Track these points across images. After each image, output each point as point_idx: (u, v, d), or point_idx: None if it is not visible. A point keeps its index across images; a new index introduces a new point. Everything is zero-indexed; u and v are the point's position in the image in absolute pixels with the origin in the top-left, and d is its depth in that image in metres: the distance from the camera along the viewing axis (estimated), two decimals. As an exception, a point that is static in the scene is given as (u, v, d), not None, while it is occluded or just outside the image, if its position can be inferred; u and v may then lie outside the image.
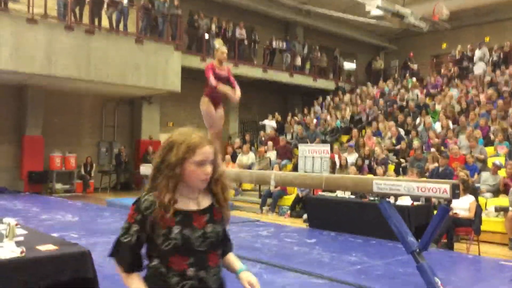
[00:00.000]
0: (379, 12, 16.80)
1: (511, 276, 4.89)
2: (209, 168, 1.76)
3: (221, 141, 6.08)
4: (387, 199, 4.46)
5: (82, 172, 14.33)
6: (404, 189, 4.19)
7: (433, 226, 4.18)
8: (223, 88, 5.75)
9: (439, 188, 3.96)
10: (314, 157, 10.17)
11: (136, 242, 1.72)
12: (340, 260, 5.57)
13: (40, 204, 10.50)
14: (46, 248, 3.27)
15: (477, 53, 15.94)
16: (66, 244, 3.58)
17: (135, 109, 16.07)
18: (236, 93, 5.85)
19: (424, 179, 7.68)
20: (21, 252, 3.03)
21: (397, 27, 20.87)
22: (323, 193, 8.53)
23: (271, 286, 4.37)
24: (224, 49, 5.90)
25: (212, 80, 5.64)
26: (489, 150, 9.99)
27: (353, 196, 8.06)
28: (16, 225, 3.66)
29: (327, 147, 10.42)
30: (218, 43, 5.97)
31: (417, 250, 4.15)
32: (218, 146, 6.02)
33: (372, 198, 7.41)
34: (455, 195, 3.93)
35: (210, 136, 5.88)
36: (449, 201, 4.08)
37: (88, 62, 12.25)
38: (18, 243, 3.21)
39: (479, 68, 15.44)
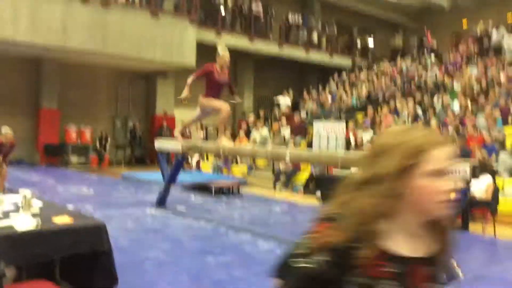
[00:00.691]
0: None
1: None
2: (451, 183, 1.13)
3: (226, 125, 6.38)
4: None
5: (98, 145, 14.45)
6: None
7: (450, 207, 4.11)
8: (212, 103, 5.99)
9: (458, 169, 3.88)
10: (329, 135, 10.08)
11: (320, 276, 1.12)
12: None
13: (56, 177, 10.64)
14: (62, 220, 3.28)
15: (495, 34, 15.62)
16: (82, 216, 3.61)
17: (150, 84, 16.06)
18: (234, 99, 6.29)
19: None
20: (37, 225, 3.04)
21: (417, 4, 20.40)
22: (337, 170, 8.48)
23: (284, 262, 4.37)
24: (227, 55, 5.98)
25: (189, 80, 5.97)
26: (509, 130, 9.79)
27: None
28: (32, 196, 3.68)
29: (342, 125, 10.31)
30: (221, 49, 6.00)
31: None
32: (225, 128, 6.20)
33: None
34: (474, 175, 3.85)
35: (222, 115, 5.97)
36: (468, 182, 4.00)
37: (104, 35, 12.21)
38: (34, 215, 3.23)
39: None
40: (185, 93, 5.96)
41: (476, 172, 3.90)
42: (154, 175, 10.04)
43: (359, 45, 20.75)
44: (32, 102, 13.80)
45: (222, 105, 6.04)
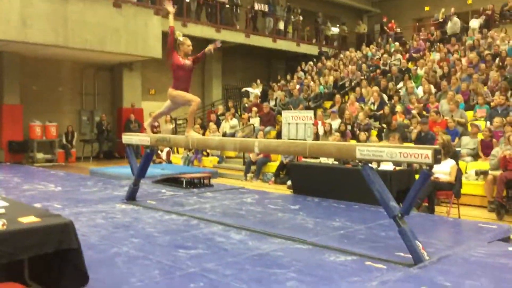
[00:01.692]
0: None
1: (489, 238, 5.03)
2: None
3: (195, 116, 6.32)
4: (370, 164, 4.49)
5: (64, 141, 14.15)
6: (387, 155, 4.21)
7: (415, 191, 4.24)
8: (184, 96, 5.95)
9: (421, 154, 3.99)
10: (297, 124, 10.18)
11: None
12: (324, 225, 5.64)
13: (21, 175, 10.37)
14: (28, 220, 3.23)
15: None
16: (48, 215, 3.55)
17: (116, 76, 15.78)
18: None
19: (406, 144, 7.76)
20: (2, 225, 2.99)
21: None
22: (307, 160, 8.58)
23: (256, 252, 4.42)
24: (189, 42, 5.99)
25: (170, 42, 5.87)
26: (471, 114, 10.12)
27: (336, 162, 8.13)
28: (-4, 197, 3.61)
29: (310, 113, 10.43)
30: (181, 37, 6.02)
31: (399, 214, 4.22)
32: (194, 119, 6.14)
33: (355, 164, 7.47)
34: (437, 160, 3.97)
35: (192, 108, 5.97)
36: (431, 166, 4.12)
37: (65, 27, 11.91)
38: (-1, 216, 3.17)
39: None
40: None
41: (439, 157, 4.02)
42: (123, 170, 9.93)
43: (325, 33, 20.92)
44: (-7, 98, 13.38)
45: (193, 98, 6.03)
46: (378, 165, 7.09)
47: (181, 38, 6.03)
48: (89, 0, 12.52)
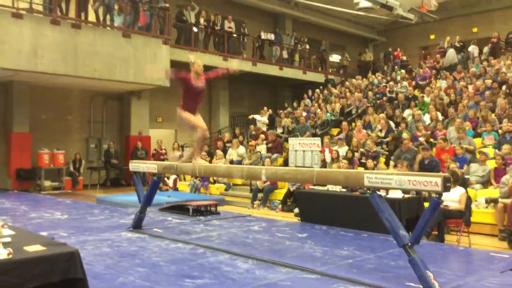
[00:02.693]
0: (367, 4, 16.83)
1: (501, 267, 4.92)
2: None
3: (207, 140, 6.21)
4: (378, 192, 4.44)
5: (71, 168, 14.20)
6: (396, 182, 4.17)
7: (425, 220, 4.17)
8: (189, 119, 5.98)
9: (430, 181, 3.95)
10: (304, 151, 10.16)
11: None
12: (332, 254, 5.56)
13: (28, 202, 10.39)
14: (34, 249, 3.22)
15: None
16: (54, 244, 3.53)
17: (124, 104, 15.93)
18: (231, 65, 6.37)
19: (416, 172, 7.70)
20: (8, 254, 2.98)
21: (385, 19, 20.93)
22: (314, 187, 8.52)
23: (263, 282, 4.35)
24: (200, 62, 6.09)
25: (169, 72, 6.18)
26: (478, 141, 10.06)
27: (344, 190, 8.07)
28: (3, 226, 3.60)
29: (317, 140, 10.41)
30: (193, 57, 6.10)
31: (409, 243, 4.15)
32: (204, 144, 6.07)
33: (363, 191, 7.41)
34: (446, 188, 3.92)
35: (198, 135, 5.95)
36: (440, 194, 4.07)
37: (75, 57, 12.10)
38: (5, 244, 3.16)
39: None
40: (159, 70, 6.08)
41: (449, 185, 3.97)
42: (129, 197, 9.91)
43: (331, 60, 21.15)
44: (3, 126, 13.51)
45: (199, 124, 6.02)
46: (387, 193, 7.02)
47: (192, 59, 6.10)
48: (99, 31, 12.77)
